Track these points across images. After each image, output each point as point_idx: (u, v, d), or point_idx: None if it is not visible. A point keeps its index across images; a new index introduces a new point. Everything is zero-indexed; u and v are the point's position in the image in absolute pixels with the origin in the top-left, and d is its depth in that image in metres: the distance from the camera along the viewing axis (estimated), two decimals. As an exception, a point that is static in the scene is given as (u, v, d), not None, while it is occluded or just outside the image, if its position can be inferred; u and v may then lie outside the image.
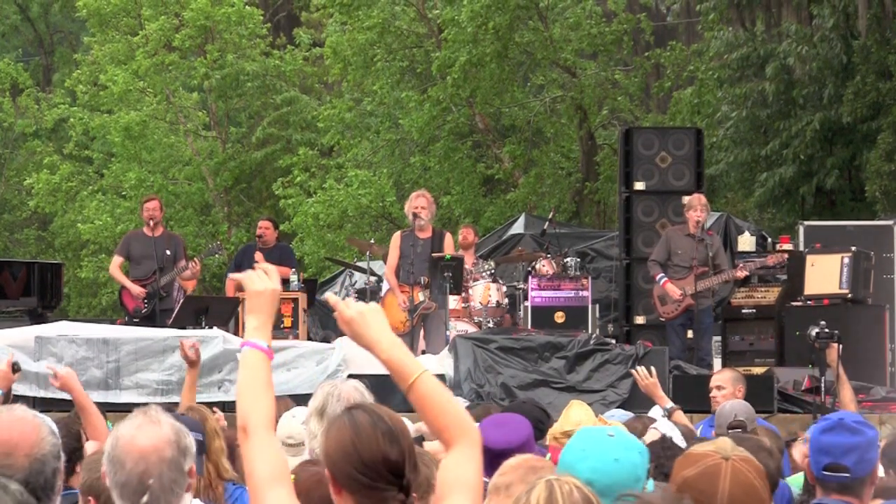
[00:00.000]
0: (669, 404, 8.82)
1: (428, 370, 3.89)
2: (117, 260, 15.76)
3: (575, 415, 6.96)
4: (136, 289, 15.26)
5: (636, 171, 16.64)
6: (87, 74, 30.39)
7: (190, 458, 3.92)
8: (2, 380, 7.51)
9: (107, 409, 9.88)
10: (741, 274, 14.91)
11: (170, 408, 7.65)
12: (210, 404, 7.38)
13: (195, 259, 15.83)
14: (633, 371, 9.27)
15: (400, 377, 3.85)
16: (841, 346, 9.55)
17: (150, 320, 15.07)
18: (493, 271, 15.52)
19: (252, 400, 3.83)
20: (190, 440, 3.97)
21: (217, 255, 16.31)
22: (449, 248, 14.71)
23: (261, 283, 4.06)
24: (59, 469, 3.94)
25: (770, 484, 5.24)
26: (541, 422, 6.79)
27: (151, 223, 15.40)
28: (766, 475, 3.64)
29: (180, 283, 15.95)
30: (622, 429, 4.23)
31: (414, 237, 14.78)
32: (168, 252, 15.31)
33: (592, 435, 4.00)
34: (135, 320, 15.13)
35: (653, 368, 9.07)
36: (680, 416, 8.63)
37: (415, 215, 14.75)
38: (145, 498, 3.83)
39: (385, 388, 5.06)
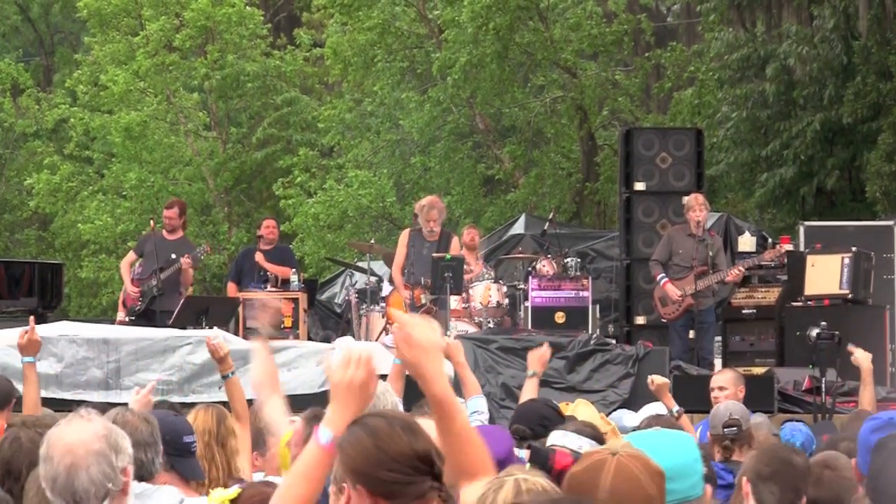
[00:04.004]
0: (676, 407, 8.83)
1: (467, 412, 3.95)
2: (130, 256, 16.19)
3: (580, 416, 6.97)
4: (130, 287, 15.43)
5: (636, 172, 16.65)
6: (88, 75, 30.39)
7: (123, 457, 3.88)
8: (33, 345, 7.90)
9: (107, 409, 9.88)
10: (730, 278, 14.91)
11: (173, 406, 7.68)
12: (209, 405, 7.37)
13: (185, 257, 15.86)
14: (649, 378, 9.34)
15: (445, 415, 3.88)
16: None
17: (148, 320, 15.09)
18: (496, 277, 15.55)
19: (294, 492, 3.79)
20: (125, 440, 3.93)
21: (201, 257, 16.36)
22: (455, 251, 14.90)
23: (340, 373, 3.86)
24: None
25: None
26: (546, 419, 6.76)
27: (168, 228, 15.69)
28: (661, 474, 3.59)
29: (183, 281, 15.92)
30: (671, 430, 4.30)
31: (421, 238, 14.99)
32: (173, 255, 15.37)
33: (647, 436, 4.06)
34: (130, 318, 15.19)
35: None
36: (685, 420, 8.65)
37: (430, 230, 15.05)
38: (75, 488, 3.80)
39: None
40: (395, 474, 3.64)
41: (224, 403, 8.94)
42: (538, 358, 8.32)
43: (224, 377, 7.57)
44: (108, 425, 3.93)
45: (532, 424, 6.53)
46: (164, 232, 15.91)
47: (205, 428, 6.39)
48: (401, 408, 5.31)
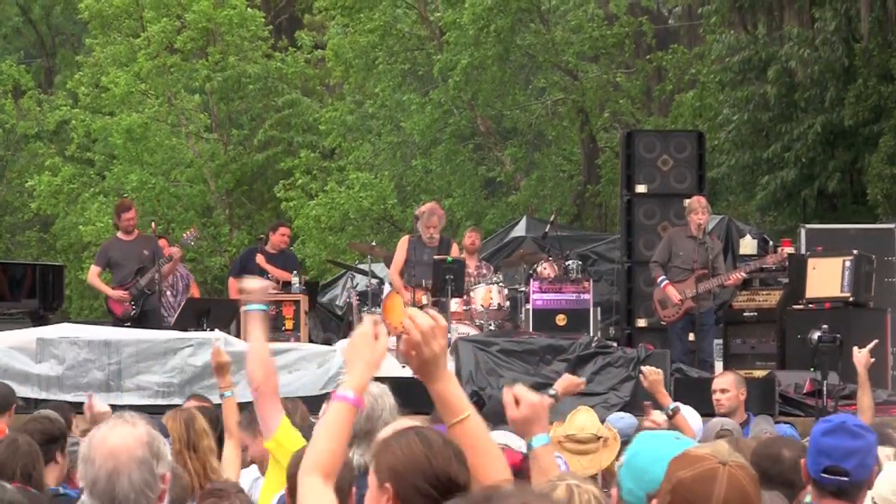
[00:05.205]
0: (672, 404, 8.63)
1: (474, 412, 3.93)
2: (95, 269, 15.78)
3: (580, 420, 6.97)
4: (117, 293, 15.27)
5: (638, 174, 16.66)
6: (89, 76, 30.38)
7: (164, 464, 3.89)
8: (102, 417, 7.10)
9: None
10: (731, 282, 14.91)
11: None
12: (177, 410, 7.36)
13: (175, 246, 15.82)
14: (641, 369, 9.14)
15: (450, 412, 3.91)
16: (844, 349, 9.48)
17: (137, 321, 15.08)
18: (500, 281, 15.56)
19: (322, 446, 3.78)
20: (165, 447, 3.95)
21: (192, 243, 16.34)
22: (454, 255, 15.02)
23: (366, 329, 3.91)
24: None
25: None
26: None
27: (129, 230, 15.49)
28: (758, 483, 3.62)
29: (162, 277, 15.85)
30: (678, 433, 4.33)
31: (421, 244, 15.09)
32: (146, 252, 15.33)
33: (659, 438, 4.06)
34: (125, 324, 15.11)
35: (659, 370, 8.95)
36: (681, 418, 8.52)
37: (430, 237, 15.16)
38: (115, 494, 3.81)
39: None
40: (431, 490, 3.64)
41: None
42: (566, 384, 8.25)
43: (221, 395, 7.26)
44: (151, 431, 3.93)
45: (498, 423, 6.54)
46: (119, 235, 15.68)
47: (174, 436, 6.37)
48: (396, 411, 5.33)
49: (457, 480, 3.66)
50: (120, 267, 15.45)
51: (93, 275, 15.83)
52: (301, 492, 3.74)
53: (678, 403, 8.58)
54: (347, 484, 4.54)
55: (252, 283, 6.12)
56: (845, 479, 4.65)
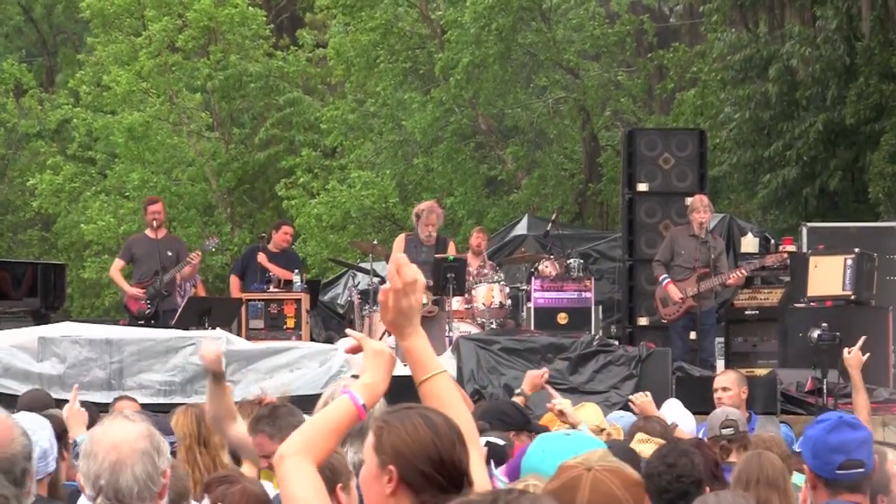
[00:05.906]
0: (669, 422, 8.60)
1: (447, 371, 3.97)
2: (118, 263, 15.88)
3: (584, 414, 7.00)
4: (134, 290, 15.30)
5: (639, 173, 16.67)
6: (91, 75, 30.38)
7: (164, 459, 3.90)
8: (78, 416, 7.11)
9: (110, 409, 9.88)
10: (732, 281, 14.90)
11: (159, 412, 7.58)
12: (188, 406, 7.34)
13: (195, 252, 15.85)
14: (629, 398, 9.12)
15: (421, 369, 3.95)
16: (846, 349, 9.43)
17: (153, 320, 15.11)
18: (502, 280, 15.55)
19: (318, 437, 3.73)
20: (165, 443, 3.95)
21: (213, 249, 16.38)
22: (451, 254, 15.03)
23: (379, 344, 3.94)
24: (29, 470, 3.89)
25: None
26: (505, 414, 6.83)
27: (155, 224, 15.48)
28: (639, 484, 3.57)
29: (182, 280, 15.91)
30: (580, 430, 4.48)
31: (419, 243, 15.07)
32: (170, 253, 15.38)
33: (550, 437, 4.21)
34: (140, 322, 15.16)
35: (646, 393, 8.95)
36: (679, 433, 8.48)
37: (429, 235, 15.11)
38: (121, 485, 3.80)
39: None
40: (436, 474, 3.63)
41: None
42: (530, 379, 8.31)
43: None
44: (150, 427, 3.94)
45: (491, 420, 6.58)
46: (147, 231, 15.71)
47: (185, 431, 6.33)
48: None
49: (460, 465, 3.66)
50: (140, 263, 15.55)
51: (114, 269, 15.93)
52: (288, 472, 3.65)
53: (674, 420, 8.54)
54: (329, 483, 4.50)
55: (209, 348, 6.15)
56: (862, 470, 4.61)
